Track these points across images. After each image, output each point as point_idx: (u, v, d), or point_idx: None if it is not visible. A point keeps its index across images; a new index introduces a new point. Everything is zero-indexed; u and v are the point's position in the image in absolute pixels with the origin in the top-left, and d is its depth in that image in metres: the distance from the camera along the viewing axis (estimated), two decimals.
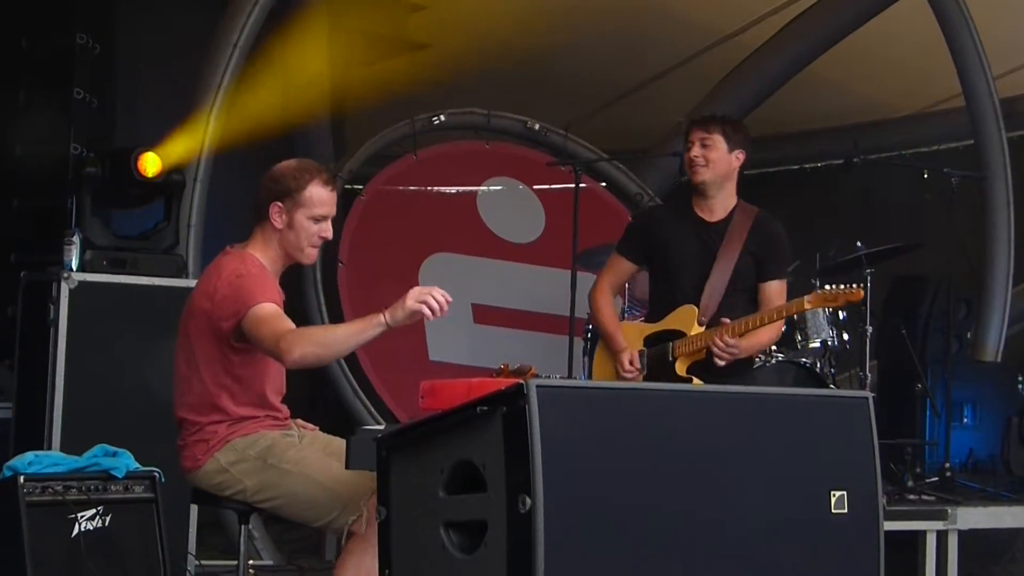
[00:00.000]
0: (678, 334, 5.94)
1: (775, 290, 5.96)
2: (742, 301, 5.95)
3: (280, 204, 4.71)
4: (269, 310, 4.53)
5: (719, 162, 5.97)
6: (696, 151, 5.97)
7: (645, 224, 6.36)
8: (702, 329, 5.85)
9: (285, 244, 4.76)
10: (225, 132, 7.35)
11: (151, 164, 6.61)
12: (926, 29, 9.19)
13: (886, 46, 10.09)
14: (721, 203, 6.04)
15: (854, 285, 5.64)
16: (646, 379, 5.95)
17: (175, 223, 6.85)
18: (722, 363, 5.75)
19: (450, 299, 4.47)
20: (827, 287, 5.68)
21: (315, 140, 9.14)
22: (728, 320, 5.76)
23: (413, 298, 4.44)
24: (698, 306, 5.91)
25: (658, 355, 5.96)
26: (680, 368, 5.89)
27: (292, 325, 4.53)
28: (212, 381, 4.64)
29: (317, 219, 4.74)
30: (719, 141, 5.96)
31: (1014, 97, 9.96)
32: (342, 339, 4.57)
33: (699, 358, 5.84)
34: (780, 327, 6.06)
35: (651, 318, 6.16)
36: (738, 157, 6.02)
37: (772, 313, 5.81)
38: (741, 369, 5.99)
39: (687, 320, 5.93)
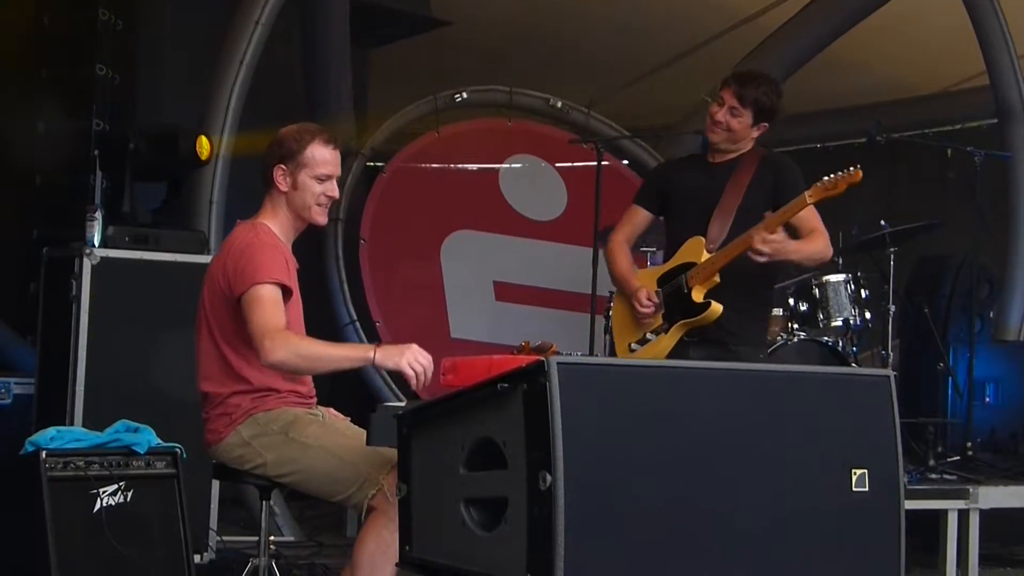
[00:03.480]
0: (690, 267, 5.87)
1: (806, 213, 5.78)
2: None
3: (283, 167, 4.73)
4: (268, 294, 4.52)
5: (739, 131, 5.92)
6: (722, 116, 5.92)
7: (660, 173, 6.36)
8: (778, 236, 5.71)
9: (293, 206, 4.76)
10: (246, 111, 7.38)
11: (206, 148, 6.65)
12: (950, 8, 9.15)
13: (910, 25, 10.06)
14: (733, 151, 6.00)
15: (851, 168, 5.53)
16: (665, 316, 5.91)
17: (192, 199, 6.87)
18: (770, 259, 5.66)
19: (426, 377, 4.44)
20: (824, 178, 5.57)
21: (336, 117, 9.14)
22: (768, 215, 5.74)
23: (408, 359, 4.41)
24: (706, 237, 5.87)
25: (673, 290, 5.90)
26: (697, 296, 5.81)
27: (284, 320, 4.52)
28: (232, 352, 4.64)
29: (321, 179, 4.74)
30: (747, 116, 5.90)
31: None
32: (326, 359, 4.55)
33: (714, 283, 5.78)
34: (825, 241, 5.88)
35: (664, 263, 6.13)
36: (760, 129, 5.98)
37: (783, 213, 5.70)
38: (754, 348, 5.95)
39: (696, 250, 5.86)
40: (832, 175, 5.56)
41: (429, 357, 4.44)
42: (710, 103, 6.12)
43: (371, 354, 4.44)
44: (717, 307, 5.74)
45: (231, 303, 4.60)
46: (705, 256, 5.80)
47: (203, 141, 6.66)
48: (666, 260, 6.10)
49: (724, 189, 5.90)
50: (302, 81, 8.94)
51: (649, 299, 5.91)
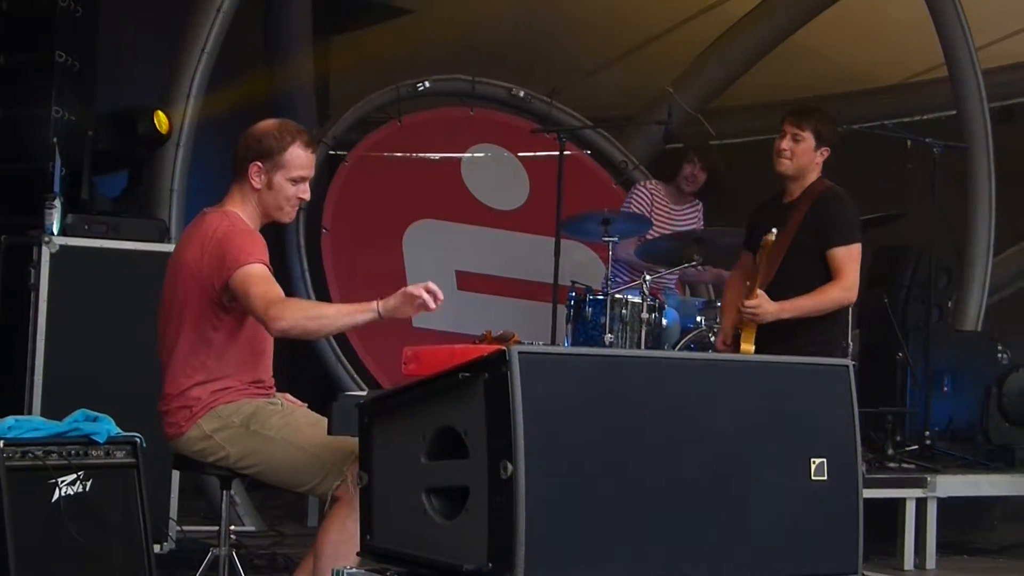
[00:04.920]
0: None
1: (837, 257, 6.21)
2: (804, 270, 6.23)
3: (260, 164, 4.69)
4: (259, 271, 4.52)
5: (802, 157, 6.28)
6: (785, 144, 6.29)
7: (751, 215, 6.68)
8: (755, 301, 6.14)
9: (263, 204, 4.74)
10: (208, 96, 7.36)
11: (164, 122, 6.62)
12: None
13: (870, 16, 10.09)
14: (799, 187, 6.35)
15: (769, 233, 6.00)
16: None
17: (152, 187, 6.83)
18: (758, 322, 6.11)
19: (441, 297, 4.41)
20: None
21: (299, 105, 9.12)
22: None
23: (410, 290, 4.38)
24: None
25: (735, 334, 6.32)
26: (744, 343, 6.20)
27: (282, 292, 4.51)
28: (198, 340, 4.62)
29: (296, 181, 4.72)
30: (809, 139, 6.27)
31: (996, 68, 9.96)
32: (332, 318, 4.55)
33: (752, 330, 6.18)
34: (839, 290, 6.23)
35: None
36: (823, 153, 6.33)
37: (754, 270, 6.16)
38: (818, 345, 6.16)
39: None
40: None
41: (428, 284, 4.40)
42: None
43: (375, 306, 4.41)
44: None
45: (208, 290, 4.58)
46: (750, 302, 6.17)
47: (160, 116, 6.62)
48: None
49: (783, 232, 6.23)
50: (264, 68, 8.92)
51: (724, 344, 6.43)
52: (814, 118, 6.32)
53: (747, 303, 6.10)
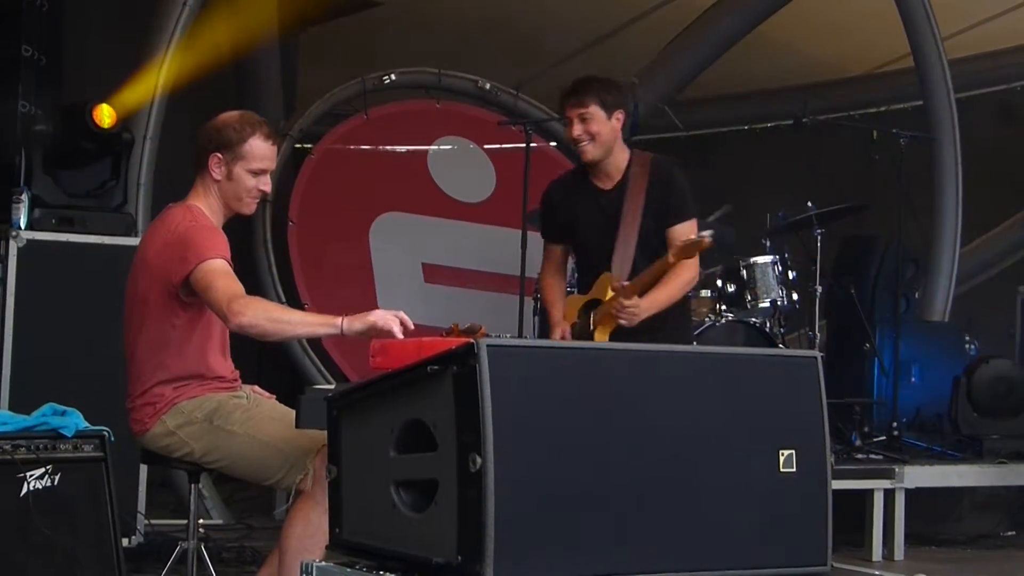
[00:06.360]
0: (599, 303, 5.82)
1: (681, 232, 5.72)
2: (653, 258, 5.71)
3: (220, 155, 4.67)
4: (220, 266, 4.50)
5: (602, 133, 5.74)
6: (577, 130, 5.74)
7: (549, 204, 6.14)
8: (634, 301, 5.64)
9: (223, 195, 4.73)
10: (175, 88, 7.33)
11: (107, 115, 6.58)
12: None
13: (836, 7, 10.12)
14: (615, 166, 5.84)
15: (704, 233, 5.44)
16: None
17: (123, 181, 6.80)
18: (628, 325, 5.61)
19: (411, 326, 4.38)
20: (690, 239, 5.47)
21: (265, 98, 9.10)
22: (627, 283, 5.63)
23: (378, 315, 4.36)
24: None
25: (582, 326, 5.87)
26: (599, 336, 5.73)
27: (243, 288, 4.50)
28: (159, 334, 4.62)
29: (256, 173, 4.70)
30: (596, 112, 5.71)
31: (962, 58, 10.00)
32: (294, 324, 4.53)
33: (615, 324, 5.69)
34: (681, 283, 5.77)
35: (581, 290, 6.07)
36: (618, 118, 5.78)
37: (651, 274, 5.63)
38: (676, 329, 5.87)
39: (603, 288, 5.80)
40: (692, 239, 5.46)
41: (396, 312, 4.38)
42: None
43: (338, 322, 4.38)
44: None
45: (169, 286, 4.57)
46: (610, 295, 5.71)
47: (104, 109, 6.58)
48: (580, 287, 6.09)
49: (621, 217, 5.77)
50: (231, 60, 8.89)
51: (564, 338, 5.84)
52: (591, 88, 5.73)
53: (626, 303, 5.56)
